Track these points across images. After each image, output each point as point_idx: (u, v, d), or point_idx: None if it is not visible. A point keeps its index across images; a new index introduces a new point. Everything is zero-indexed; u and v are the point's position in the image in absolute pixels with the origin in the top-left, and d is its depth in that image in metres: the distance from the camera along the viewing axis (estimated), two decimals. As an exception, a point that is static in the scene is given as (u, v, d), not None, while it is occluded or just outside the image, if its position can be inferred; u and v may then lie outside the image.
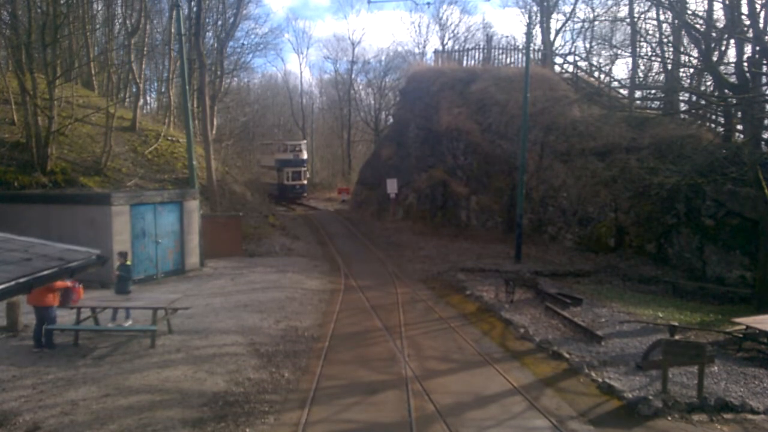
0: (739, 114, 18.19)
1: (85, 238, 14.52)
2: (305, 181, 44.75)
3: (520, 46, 33.31)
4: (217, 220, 22.14)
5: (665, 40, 24.49)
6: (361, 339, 12.17)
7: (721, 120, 21.68)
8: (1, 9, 23.68)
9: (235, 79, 46.69)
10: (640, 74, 30.70)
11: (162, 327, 11.43)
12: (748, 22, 16.89)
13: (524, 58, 24.44)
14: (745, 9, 16.99)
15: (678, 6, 19.44)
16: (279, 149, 44.63)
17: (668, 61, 24.97)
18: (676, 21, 21.23)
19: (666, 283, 18.20)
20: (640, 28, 26.38)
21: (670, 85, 24.06)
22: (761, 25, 17.55)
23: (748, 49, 18.48)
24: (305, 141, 49.58)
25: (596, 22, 35.37)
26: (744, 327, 11.79)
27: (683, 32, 22.18)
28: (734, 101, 17.23)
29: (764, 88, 17.07)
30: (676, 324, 11.67)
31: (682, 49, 23.06)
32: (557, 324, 13.24)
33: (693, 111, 23.81)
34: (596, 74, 32.14)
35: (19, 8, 23.18)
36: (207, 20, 34.34)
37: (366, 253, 24.03)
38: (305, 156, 45.45)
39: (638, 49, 29.04)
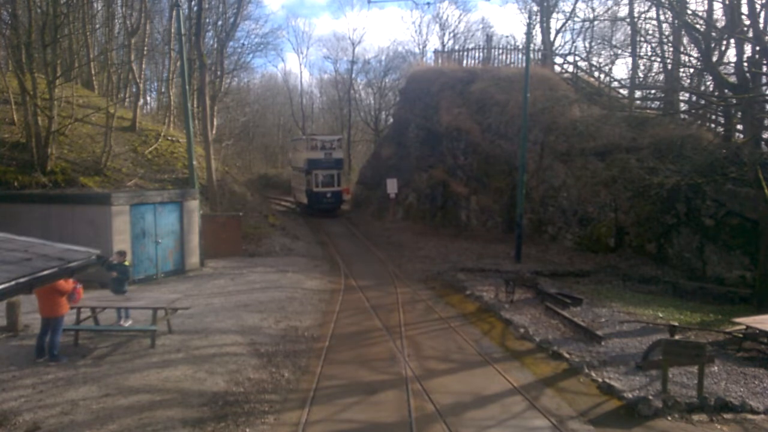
0: (739, 114, 18.19)
1: (85, 238, 14.52)
2: (340, 188, 35.58)
3: (520, 46, 33.36)
4: (217, 220, 22.13)
5: (665, 40, 24.49)
6: (361, 339, 12.17)
7: (721, 120, 21.67)
8: (1, 9, 23.68)
9: (235, 79, 46.68)
10: (640, 74, 30.73)
11: (162, 327, 11.43)
12: (748, 22, 16.90)
13: (524, 58, 24.45)
14: (745, 9, 17.02)
15: (678, 6, 19.44)
16: (309, 146, 35.65)
17: (668, 61, 24.98)
18: (676, 21, 21.22)
19: (666, 283, 18.20)
20: (640, 28, 26.36)
21: (670, 85, 24.08)
22: (761, 25, 17.58)
23: (748, 49, 18.48)
24: (340, 137, 39.93)
25: (596, 22, 35.40)
26: (744, 327, 11.80)
27: (683, 32, 22.18)
28: (734, 101, 17.23)
29: (764, 88, 17.07)
30: (676, 324, 11.67)
31: (682, 49, 23.04)
32: (557, 324, 13.24)
33: (693, 111, 23.81)
34: (596, 74, 32.17)
35: (19, 8, 23.16)
36: (207, 20, 34.32)
37: (366, 253, 24.03)
38: (340, 155, 36.60)
39: (638, 49, 29.08)
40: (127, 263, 12.70)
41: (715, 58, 19.82)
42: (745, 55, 18.32)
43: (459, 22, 78.24)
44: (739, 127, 19.17)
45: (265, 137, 63.37)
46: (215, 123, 35.30)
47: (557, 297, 15.02)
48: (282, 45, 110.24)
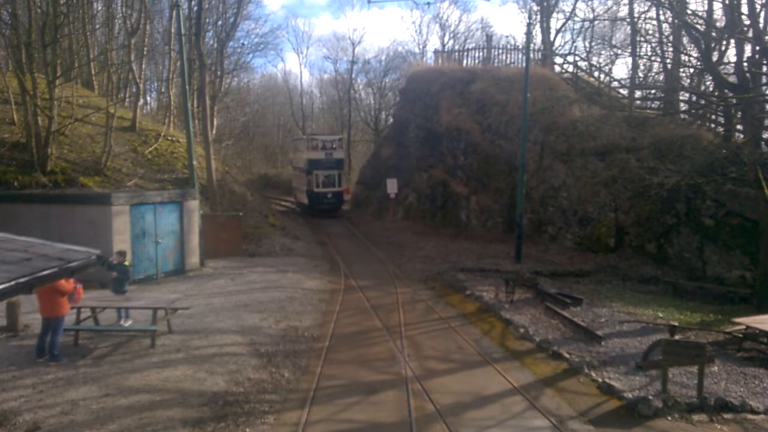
0: (739, 114, 18.19)
1: (85, 238, 14.51)
2: (341, 188, 35.51)
3: (520, 46, 33.37)
4: (217, 220, 22.13)
5: (665, 40, 24.50)
6: (361, 339, 12.17)
7: (721, 120, 21.68)
8: (1, 9, 23.68)
9: (235, 79, 46.67)
10: (640, 74, 30.73)
11: (162, 327, 11.43)
12: (748, 22, 16.89)
13: (524, 58, 24.45)
14: (745, 9, 17.01)
15: (678, 6, 19.44)
16: (309, 146, 35.51)
17: (668, 61, 24.97)
18: (676, 21, 21.23)
19: (666, 283, 18.19)
20: (640, 28, 26.36)
21: (670, 85, 24.08)
22: (761, 25, 17.56)
23: (748, 49, 18.48)
24: (341, 137, 40.18)
25: (596, 22, 35.41)
26: (744, 327, 11.80)
27: (683, 32, 22.18)
28: (734, 101, 17.23)
29: (764, 88, 17.07)
30: (676, 324, 11.65)
31: (682, 49, 23.05)
32: (557, 324, 13.24)
33: (693, 111, 23.81)
34: (596, 74, 32.16)
35: (19, 8, 23.17)
36: (207, 20, 34.33)
37: (366, 253, 24.03)
38: (341, 155, 36.59)
39: (638, 49, 29.07)
40: (127, 263, 12.70)
41: (715, 58, 19.82)
42: (745, 55, 18.32)
43: (459, 22, 78.52)
44: (739, 127, 19.16)
45: (265, 137, 63.36)
46: (215, 123, 35.29)
47: (557, 297, 15.02)
48: (282, 45, 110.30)
